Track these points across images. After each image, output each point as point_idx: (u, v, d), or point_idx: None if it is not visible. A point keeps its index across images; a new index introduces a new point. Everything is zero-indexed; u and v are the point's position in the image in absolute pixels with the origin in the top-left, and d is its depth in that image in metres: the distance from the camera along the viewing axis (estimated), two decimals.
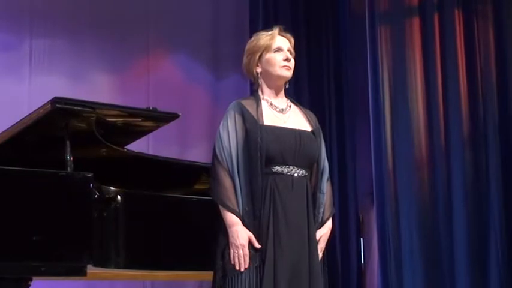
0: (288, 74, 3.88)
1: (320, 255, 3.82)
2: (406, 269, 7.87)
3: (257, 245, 3.62)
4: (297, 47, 4.03)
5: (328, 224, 3.88)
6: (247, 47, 3.96)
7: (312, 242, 3.75)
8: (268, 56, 3.85)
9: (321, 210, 3.84)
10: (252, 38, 3.96)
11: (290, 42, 3.93)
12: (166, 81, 9.15)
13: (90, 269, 3.71)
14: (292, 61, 3.90)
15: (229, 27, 9.75)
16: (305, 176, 3.79)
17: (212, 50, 9.73)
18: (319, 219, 3.83)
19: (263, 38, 3.90)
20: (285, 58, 3.85)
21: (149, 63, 9.35)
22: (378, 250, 8.13)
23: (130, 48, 9.13)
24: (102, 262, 3.76)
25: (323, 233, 3.84)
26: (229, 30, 9.75)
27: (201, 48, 9.61)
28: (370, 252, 8.62)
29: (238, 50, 9.33)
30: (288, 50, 3.88)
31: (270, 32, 3.91)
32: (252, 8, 9.16)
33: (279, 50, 3.86)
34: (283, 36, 3.93)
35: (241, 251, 3.60)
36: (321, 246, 3.83)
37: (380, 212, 8.06)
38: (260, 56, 3.86)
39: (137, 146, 4.73)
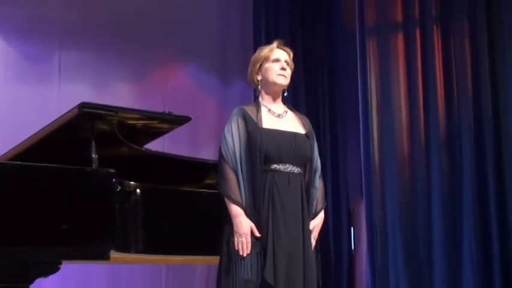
0: (283, 81, 3.91)
1: (313, 243, 3.85)
2: (390, 255, 7.90)
3: (257, 234, 3.64)
4: (294, 58, 4.04)
5: (321, 215, 3.90)
6: (251, 58, 4.00)
7: (306, 232, 3.76)
8: (267, 65, 3.89)
9: (314, 203, 3.87)
10: (256, 51, 4.00)
11: (288, 55, 3.96)
12: (179, 89, 9.14)
13: (113, 254, 3.72)
14: (289, 71, 3.92)
15: (235, 41, 9.75)
16: (300, 173, 3.81)
17: (220, 61, 9.72)
18: (313, 211, 3.86)
19: (264, 50, 3.94)
20: (281, 67, 3.87)
21: (164, 72, 9.36)
22: (366, 238, 8.15)
23: (147, 60, 9.13)
24: (124, 247, 3.76)
25: (316, 224, 3.87)
26: (235, 43, 9.75)
27: (210, 59, 9.60)
28: (359, 240, 8.62)
29: (243, 60, 9.41)
30: (285, 61, 3.91)
31: (270, 45, 3.96)
32: (255, 24, 9.17)
33: (277, 60, 3.89)
34: (282, 49, 3.96)
35: (244, 239, 3.63)
36: (314, 235, 3.85)
37: (368, 204, 8.09)
38: (260, 66, 3.90)
39: (154, 146, 4.72)
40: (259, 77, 3.93)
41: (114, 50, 8.77)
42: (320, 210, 3.91)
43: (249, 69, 4.00)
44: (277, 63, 3.90)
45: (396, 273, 7.86)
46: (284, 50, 3.97)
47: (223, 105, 9.43)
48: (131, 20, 8.88)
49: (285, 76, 3.90)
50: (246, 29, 9.46)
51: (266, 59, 3.91)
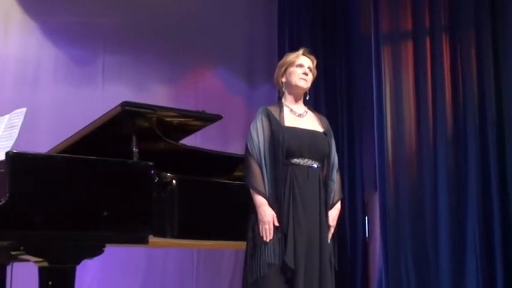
0: (304, 84, 3.93)
1: (332, 230, 3.89)
2: (401, 241, 7.94)
3: (276, 224, 3.67)
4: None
5: (338, 206, 3.93)
6: (279, 63, 4.03)
7: (323, 221, 3.79)
8: (291, 69, 3.91)
9: (332, 194, 3.89)
10: (284, 57, 4.03)
11: (312, 62, 3.98)
12: (210, 90, 9.16)
13: (151, 239, 3.74)
14: (310, 76, 3.94)
15: (261, 47, 9.75)
16: (318, 167, 3.84)
17: (247, 65, 9.72)
18: (330, 202, 3.89)
19: (290, 55, 3.97)
20: (303, 72, 3.90)
21: (197, 75, 9.39)
22: (379, 226, 8.18)
23: (182, 64, 9.16)
24: (160, 233, 3.78)
25: (333, 214, 3.89)
26: (261, 49, 9.74)
27: (238, 63, 9.62)
28: (373, 228, 8.62)
29: (268, 65, 9.43)
30: (308, 67, 3.93)
31: (296, 52, 3.98)
32: (280, 31, 9.17)
33: (300, 66, 3.92)
34: (307, 56, 3.98)
35: (267, 226, 3.66)
36: (332, 224, 3.88)
37: (382, 195, 8.14)
38: (285, 69, 3.93)
39: (187, 142, 4.72)
40: (283, 79, 3.95)
41: (152, 54, 8.82)
42: (337, 201, 3.94)
43: (276, 72, 4.03)
44: (301, 68, 3.93)
45: (406, 258, 7.91)
46: (308, 58, 3.99)
47: (250, 105, 9.44)
48: (167, 27, 8.92)
49: (306, 80, 3.92)
50: (271, 36, 9.47)
51: (291, 63, 3.94)
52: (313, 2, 9.15)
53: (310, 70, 3.97)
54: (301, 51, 3.99)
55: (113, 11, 8.61)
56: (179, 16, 9.06)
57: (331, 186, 3.90)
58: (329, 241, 3.84)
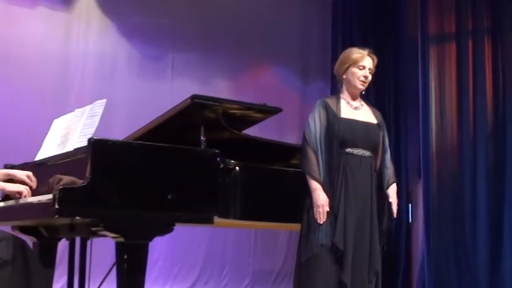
0: (362, 87, 3.85)
1: (395, 205, 3.84)
2: (442, 226, 7.93)
3: (327, 209, 3.65)
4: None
5: (393, 186, 3.89)
6: (342, 55, 3.93)
7: (374, 206, 3.76)
8: (353, 69, 3.83)
9: (387, 178, 3.85)
10: (348, 50, 3.92)
11: (373, 62, 3.88)
12: (267, 85, 9.19)
13: (216, 219, 3.75)
14: (369, 78, 3.85)
15: (315, 47, 9.75)
16: (370, 156, 3.80)
17: (302, 63, 9.74)
18: (386, 184, 3.84)
19: (355, 54, 3.85)
20: (364, 75, 3.82)
21: (256, 72, 9.43)
22: (423, 212, 8.19)
23: (243, 62, 9.20)
24: (224, 214, 3.78)
25: (391, 192, 3.86)
26: (315, 48, 9.74)
27: (294, 62, 9.64)
28: (416, 214, 8.61)
29: (321, 63, 9.42)
30: (369, 69, 3.84)
31: (361, 51, 3.86)
32: (333, 32, 9.18)
33: (363, 67, 3.83)
34: (370, 57, 3.88)
35: (320, 209, 3.65)
36: (393, 200, 3.86)
37: (426, 184, 8.17)
38: (348, 67, 3.85)
39: (248, 132, 4.76)
40: (344, 76, 3.87)
41: (216, 52, 8.88)
42: (392, 183, 3.90)
43: (337, 65, 3.93)
44: (362, 70, 3.83)
45: (446, 243, 7.90)
46: (372, 58, 3.89)
47: (304, 100, 9.46)
48: (230, 28, 8.97)
49: (364, 83, 3.85)
50: (325, 37, 9.46)
51: (354, 62, 3.84)
52: (364, 4, 9.11)
53: (371, 71, 3.89)
54: (366, 52, 3.88)
55: (182, 12, 8.68)
56: (241, 18, 9.10)
57: (385, 172, 3.87)
58: (395, 215, 3.81)
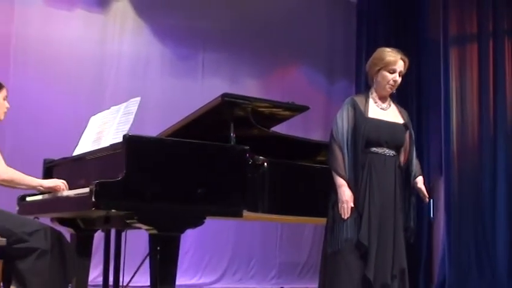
0: (390, 91, 3.78)
1: (423, 189, 3.79)
2: (462, 221, 7.90)
3: (351, 205, 3.63)
4: None
5: (420, 178, 3.84)
6: (375, 55, 3.85)
7: (397, 202, 3.72)
8: (384, 73, 3.76)
9: (413, 172, 3.80)
10: (381, 50, 3.84)
11: (405, 66, 3.80)
12: (294, 85, 9.18)
13: (244, 213, 3.75)
14: (399, 81, 3.79)
15: (340, 49, 9.73)
16: (394, 155, 3.76)
17: (327, 64, 9.72)
18: (414, 176, 3.80)
19: (387, 56, 3.77)
20: (394, 79, 3.75)
21: (283, 72, 9.42)
22: (444, 207, 8.17)
23: (271, 62, 9.20)
24: (252, 208, 3.77)
25: (419, 181, 3.81)
26: (340, 49, 9.72)
27: (319, 62, 9.62)
28: (437, 209, 8.58)
29: (346, 64, 9.39)
30: (399, 72, 3.77)
31: (395, 54, 3.78)
32: (358, 33, 9.15)
33: (393, 71, 3.75)
34: (403, 61, 3.80)
35: (345, 205, 3.62)
36: (420, 186, 3.80)
37: (447, 181, 8.13)
38: (379, 70, 3.78)
39: (275, 129, 4.75)
40: (374, 77, 3.83)
41: (245, 52, 8.89)
42: (419, 175, 3.86)
43: (369, 64, 3.85)
44: (393, 74, 3.76)
45: (467, 237, 7.90)
46: (404, 62, 3.80)
47: (329, 99, 9.45)
48: (259, 30, 8.98)
49: (393, 87, 3.78)
50: (350, 38, 9.43)
51: (386, 65, 3.76)
52: (387, 7, 9.08)
53: (401, 74, 3.81)
54: (399, 56, 3.79)
55: (212, 14, 8.70)
56: (269, 20, 9.11)
57: (410, 167, 3.82)
58: (426, 200, 3.78)
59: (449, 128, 8.12)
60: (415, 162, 3.85)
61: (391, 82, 3.76)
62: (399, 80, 3.79)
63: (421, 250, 8.44)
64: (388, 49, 3.85)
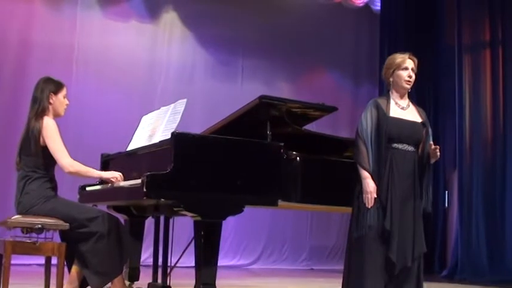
0: (408, 86, 3.74)
1: (437, 151, 3.65)
2: (474, 211, 7.87)
3: (375, 195, 3.58)
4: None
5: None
6: (386, 61, 3.83)
7: (416, 191, 3.67)
8: (399, 72, 3.72)
9: (426, 150, 3.73)
10: (391, 56, 3.83)
11: (414, 63, 3.76)
12: (323, 88, 9.17)
13: (279, 202, 3.73)
14: (413, 77, 3.78)
15: (365, 54, 9.68)
16: (413, 151, 3.70)
17: (353, 68, 9.69)
18: (426, 150, 3.70)
19: (397, 58, 3.76)
20: (408, 75, 3.73)
21: (314, 76, 9.41)
22: (457, 199, 8.11)
23: (302, 66, 9.19)
24: (286, 198, 3.75)
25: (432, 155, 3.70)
26: (365, 56, 9.67)
27: (346, 67, 9.59)
28: (452, 200, 8.53)
29: (370, 69, 9.31)
30: (411, 69, 3.75)
31: (402, 55, 3.77)
32: (381, 42, 9.10)
33: (406, 69, 3.72)
34: (411, 59, 3.77)
35: (369, 195, 3.56)
36: (433, 147, 3.65)
37: (460, 174, 8.07)
38: (393, 71, 3.75)
39: (307, 128, 4.72)
40: (391, 79, 3.79)
41: (280, 58, 8.90)
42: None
43: (384, 70, 3.82)
44: (406, 71, 3.73)
45: (478, 226, 7.88)
46: (412, 60, 3.78)
47: (355, 101, 9.41)
48: (291, 37, 8.99)
49: (410, 82, 3.76)
50: (374, 46, 9.36)
51: (398, 66, 3.74)
52: (407, 16, 9.03)
53: (413, 71, 3.80)
54: (407, 55, 3.78)
55: (250, 25, 8.71)
56: (300, 30, 9.10)
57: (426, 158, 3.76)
58: (438, 155, 3.67)
59: (463, 125, 8.09)
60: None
61: (407, 78, 3.73)
62: (413, 76, 3.76)
63: (436, 236, 8.41)
64: (396, 53, 3.84)
